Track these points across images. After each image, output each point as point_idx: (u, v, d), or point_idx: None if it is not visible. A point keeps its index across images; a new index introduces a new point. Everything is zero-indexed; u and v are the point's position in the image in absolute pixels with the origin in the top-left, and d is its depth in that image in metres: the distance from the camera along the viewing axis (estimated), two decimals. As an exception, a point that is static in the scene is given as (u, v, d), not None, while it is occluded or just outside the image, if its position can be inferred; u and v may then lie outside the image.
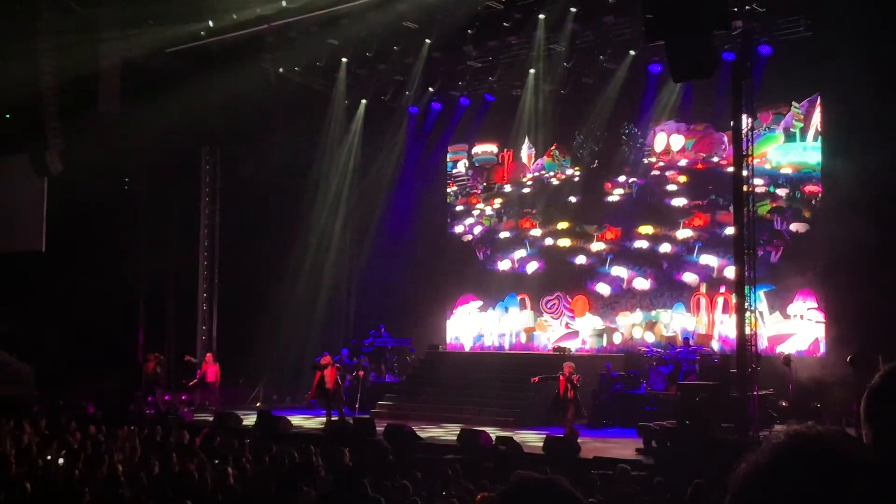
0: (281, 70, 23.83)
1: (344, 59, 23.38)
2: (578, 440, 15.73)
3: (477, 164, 25.99)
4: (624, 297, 22.73)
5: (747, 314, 16.35)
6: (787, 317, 20.07)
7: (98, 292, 22.34)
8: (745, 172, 16.68)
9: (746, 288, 16.43)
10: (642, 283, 22.53)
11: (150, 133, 21.59)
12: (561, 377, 16.84)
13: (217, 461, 11.97)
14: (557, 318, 23.70)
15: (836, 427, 1.51)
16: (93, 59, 20.95)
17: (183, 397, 22.94)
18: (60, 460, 12.05)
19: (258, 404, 22.44)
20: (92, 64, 21.00)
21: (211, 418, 19.88)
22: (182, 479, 10.23)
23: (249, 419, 18.76)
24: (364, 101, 25.00)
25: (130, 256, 23.84)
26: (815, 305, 19.65)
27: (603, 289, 23.08)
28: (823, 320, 19.42)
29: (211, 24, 21.61)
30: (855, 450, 1.43)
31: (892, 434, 1.72)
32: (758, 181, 18.53)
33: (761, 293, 19.59)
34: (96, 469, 11.12)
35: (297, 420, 19.70)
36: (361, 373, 21.79)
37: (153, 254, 24.10)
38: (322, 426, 18.68)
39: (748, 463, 1.45)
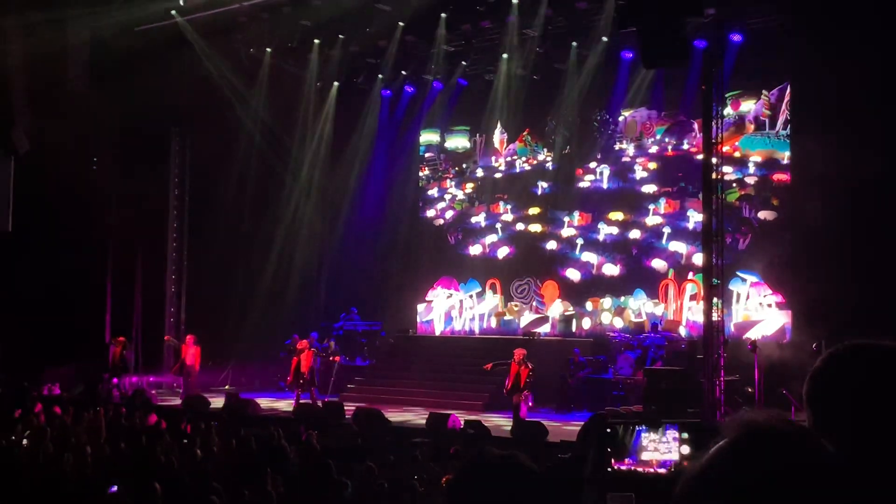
0: (252, 51, 23.65)
1: (316, 41, 23.22)
2: (545, 424, 15.81)
3: (449, 149, 25.96)
4: (593, 283, 22.84)
5: (714, 300, 16.48)
6: (752, 305, 20.24)
7: (65, 273, 22.14)
8: (714, 160, 16.77)
9: (714, 281, 16.55)
10: (612, 269, 22.65)
11: (120, 112, 21.38)
12: (513, 363, 16.75)
13: (185, 442, 11.93)
14: (527, 303, 23.78)
15: (785, 418, 1.52)
16: (61, 37, 20.70)
17: (150, 379, 22.82)
18: (25, 441, 11.96)
19: (227, 387, 22.35)
20: (60, 42, 20.74)
21: (177, 401, 19.82)
22: (148, 461, 10.18)
23: (218, 402, 18.69)
24: (336, 84, 24.86)
25: (98, 237, 23.62)
26: (780, 294, 19.83)
27: (573, 274, 23.19)
28: (789, 308, 19.62)
29: (182, 2, 21.39)
30: (806, 441, 1.44)
31: (832, 417, 1.74)
32: (727, 169, 18.66)
33: (747, 278, 19.80)
34: (61, 450, 11.05)
35: (265, 403, 19.65)
36: (337, 357, 21.78)
37: (121, 234, 23.89)
38: (291, 409, 18.66)
39: (701, 460, 1.47)
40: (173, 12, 21.59)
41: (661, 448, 7.73)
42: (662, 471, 7.59)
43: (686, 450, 7.68)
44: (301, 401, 18.95)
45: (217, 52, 22.60)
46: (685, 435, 7.84)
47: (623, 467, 7.62)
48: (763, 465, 1.40)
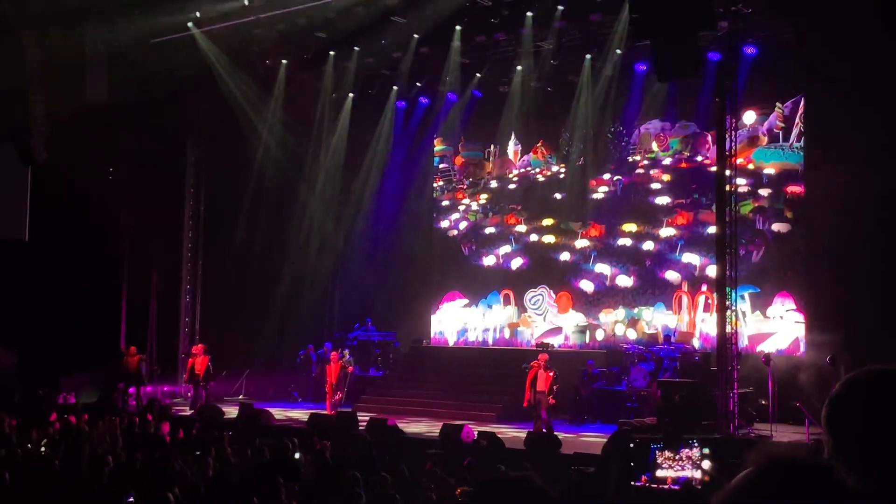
0: (268, 62, 23.80)
1: (332, 53, 23.35)
2: (558, 435, 15.81)
3: (464, 160, 26.02)
4: (607, 294, 22.84)
5: (728, 313, 16.47)
6: (767, 317, 20.22)
7: (81, 282, 22.31)
8: (728, 172, 16.80)
9: (728, 288, 16.55)
10: (625, 281, 22.64)
11: (136, 123, 21.54)
12: (534, 365, 17.10)
13: (198, 453, 12.00)
14: (541, 315, 23.79)
15: (809, 451, 1.55)
16: (79, 49, 20.88)
17: (164, 389, 22.94)
18: (42, 449, 12.05)
19: (240, 397, 22.44)
20: (78, 54, 20.93)
21: (189, 411, 19.92)
22: (163, 470, 10.25)
23: (232, 411, 18.75)
24: (351, 95, 24.97)
25: (114, 247, 23.79)
26: (794, 307, 19.80)
27: (586, 285, 23.19)
28: (803, 321, 19.58)
29: (198, 14, 21.56)
30: (828, 474, 1.48)
31: (850, 442, 1.77)
32: (741, 181, 18.65)
33: (746, 294, 19.75)
34: (76, 459, 11.13)
35: (278, 413, 19.72)
36: (351, 368, 21.85)
37: (137, 244, 24.06)
38: (305, 419, 18.70)
39: (724, 491, 1.51)
40: (190, 24, 21.76)
41: (676, 466, 7.75)
42: (676, 487, 7.62)
43: (704, 468, 7.70)
44: (330, 409, 19.03)
45: (233, 64, 22.75)
46: (704, 451, 7.86)
47: (638, 484, 7.66)
48: (785, 498, 1.44)
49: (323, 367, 22.94)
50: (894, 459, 1.71)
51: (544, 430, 16.67)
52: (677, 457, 7.87)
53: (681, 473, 7.87)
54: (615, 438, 13.07)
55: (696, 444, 7.94)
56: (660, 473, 7.95)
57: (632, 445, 7.89)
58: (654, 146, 22.74)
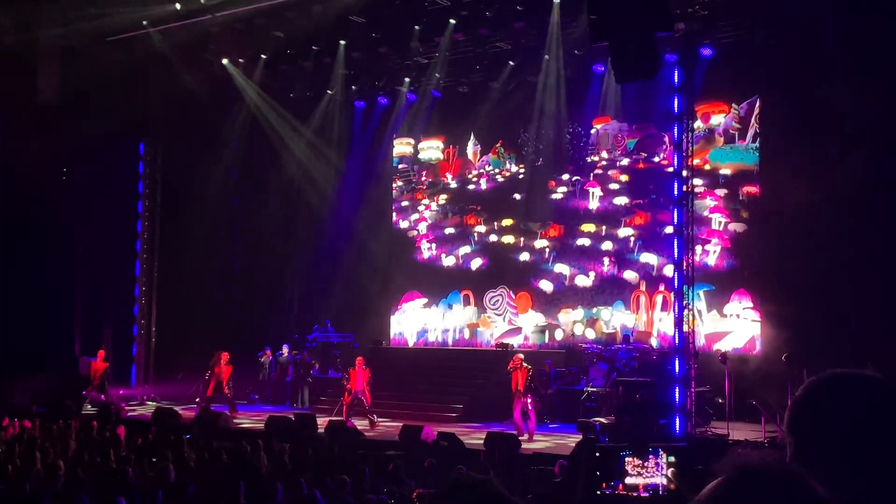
0: (225, 62, 23.60)
1: (289, 52, 23.20)
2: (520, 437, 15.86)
3: (423, 160, 26.00)
4: (566, 294, 22.94)
5: (685, 312, 16.62)
6: (723, 315, 20.44)
7: (34, 284, 21.92)
8: (685, 172, 16.95)
9: (685, 287, 16.70)
10: (584, 281, 22.76)
11: (91, 123, 21.22)
12: (515, 371, 17.23)
13: (154, 458, 11.84)
14: (501, 315, 23.84)
15: (780, 460, 1.55)
16: (32, 49, 20.54)
17: (120, 392, 22.63)
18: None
19: (197, 399, 22.19)
20: (31, 53, 20.58)
21: (147, 414, 19.68)
22: (118, 475, 10.10)
23: (189, 414, 18.56)
24: (309, 95, 24.84)
25: (68, 248, 23.41)
26: (751, 305, 20.05)
27: (546, 285, 23.28)
28: (759, 319, 19.82)
29: (153, 13, 21.30)
30: (799, 483, 1.47)
31: (812, 445, 1.79)
32: (697, 181, 18.82)
33: (700, 292, 19.94)
34: (31, 464, 10.94)
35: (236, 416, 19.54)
36: (317, 363, 21.93)
37: (91, 246, 23.69)
38: (262, 422, 18.54)
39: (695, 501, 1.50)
40: (144, 22, 21.48)
41: (645, 473, 7.79)
42: (646, 495, 7.66)
43: (670, 476, 7.74)
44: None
45: (190, 63, 22.50)
46: (671, 459, 7.90)
47: (608, 492, 7.69)
48: None
49: (284, 368, 22.83)
50: (856, 463, 1.72)
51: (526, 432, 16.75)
52: (646, 464, 7.92)
53: (650, 480, 7.92)
54: (580, 447, 13.12)
55: (663, 452, 8.01)
56: (629, 481, 7.98)
57: (597, 454, 7.93)
58: (613, 147, 22.87)
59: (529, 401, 17.08)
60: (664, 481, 7.83)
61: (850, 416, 1.78)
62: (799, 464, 1.69)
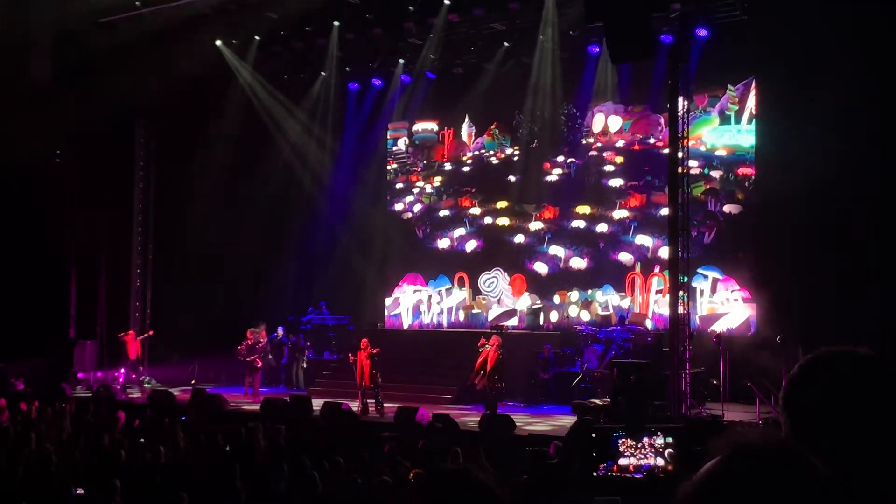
0: (218, 43, 23.47)
1: (283, 33, 23.09)
2: (514, 417, 15.88)
3: (417, 142, 25.93)
4: (561, 277, 22.93)
5: (680, 293, 16.62)
6: (718, 298, 20.45)
7: (27, 268, 21.86)
8: (680, 154, 16.90)
9: (680, 275, 16.69)
10: (579, 263, 22.76)
11: (84, 104, 21.11)
12: (486, 349, 17.30)
13: (148, 440, 11.84)
14: (495, 297, 23.84)
15: (779, 438, 1.53)
16: (23, 29, 20.40)
17: (115, 374, 22.62)
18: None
19: (193, 382, 22.19)
20: (22, 33, 20.44)
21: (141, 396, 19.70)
22: (112, 458, 10.10)
23: (185, 397, 18.56)
24: (303, 76, 24.73)
25: (62, 230, 23.34)
26: (737, 287, 20.06)
27: (540, 268, 23.27)
28: (749, 300, 19.83)
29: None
30: (798, 460, 1.45)
31: (807, 423, 1.78)
32: (693, 163, 18.79)
33: (709, 274, 19.98)
34: (25, 447, 10.93)
35: (232, 398, 19.54)
36: (309, 343, 22.06)
37: (85, 227, 23.62)
38: (258, 405, 18.55)
39: (692, 480, 1.47)
40: (137, 3, 21.34)
41: (639, 454, 7.80)
42: (639, 476, 7.67)
43: (667, 456, 7.75)
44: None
45: (183, 45, 22.35)
46: (668, 440, 7.90)
47: (601, 473, 7.70)
48: (754, 485, 1.41)
49: (279, 350, 22.81)
50: (851, 440, 1.72)
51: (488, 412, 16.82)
52: (640, 445, 7.92)
53: (643, 462, 7.92)
54: (576, 428, 13.13)
55: (658, 433, 8.00)
56: (622, 462, 7.99)
57: (593, 435, 7.91)
58: (608, 128, 22.82)
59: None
60: (659, 462, 7.84)
61: (845, 394, 1.78)
62: (794, 440, 1.69)
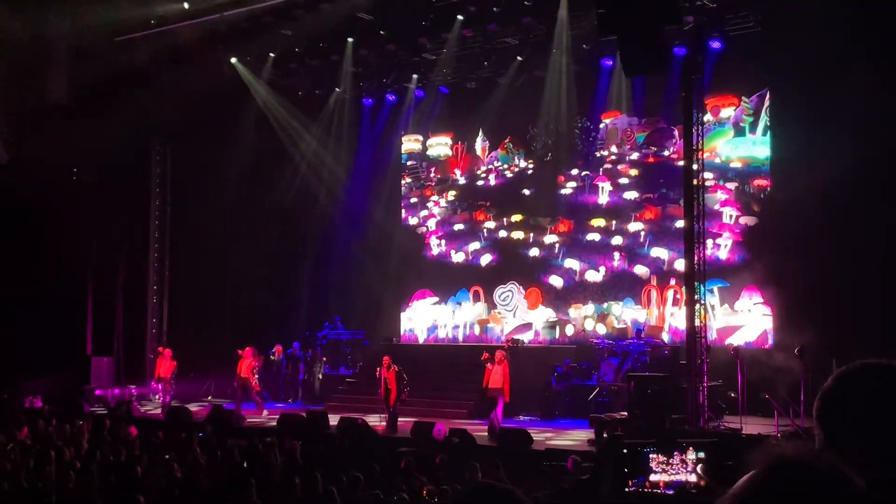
0: (234, 60, 23.62)
1: (297, 50, 23.22)
2: (529, 432, 15.83)
3: (431, 157, 25.97)
4: (576, 290, 22.89)
5: (697, 306, 16.55)
6: (735, 310, 20.35)
7: (45, 284, 21.99)
8: (695, 166, 16.88)
9: (696, 283, 16.63)
10: (594, 276, 22.70)
11: (100, 124, 21.28)
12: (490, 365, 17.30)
13: (167, 456, 11.86)
14: (511, 310, 23.80)
15: (817, 451, 1.53)
16: (41, 49, 20.60)
17: (133, 391, 22.67)
18: (8, 453, 11.85)
19: (209, 398, 22.25)
20: (40, 54, 20.64)
21: (159, 412, 19.73)
22: (131, 474, 10.12)
23: (201, 412, 18.59)
24: (318, 93, 24.85)
25: (79, 249, 23.48)
26: (762, 300, 19.94)
27: (556, 281, 23.23)
28: (770, 313, 19.73)
29: (161, 12, 21.34)
30: (836, 475, 1.45)
31: (844, 435, 1.79)
32: (708, 175, 18.75)
33: (715, 288, 19.88)
34: (44, 464, 10.96)
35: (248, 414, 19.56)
36: (325, 358, 22.02)
37: (102, 246, 23.76)
38: (274, 420, 18.54)
39: (729, 494, 1.48)
40: (153, 22, 21.52)
41: (670, 470, 7.74)
42: (670, 492, 7.61)
43: (699, 472, 7.69)
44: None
45: (198, 63, 22.51)
46: (700, 454, 7.84)
47: (632, 489, 7.65)
48: (796, 498, 1.41)
49: (296, 365, 22.83)
50: (886, 452, 1.72)
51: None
52: (671, 461, 7.86)
53: (675, 477, 7.86)
54: (608, 443, 13.04)
55: (689, 448, 7.94)
56: (653, 478, 7.93)
57: (625, 451, 7.86)
58: (622, 141, 22.81)
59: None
60: (692, 478, 7.78)
61: (879, 406, 1.79)
62: (829, 452, 1.69)
